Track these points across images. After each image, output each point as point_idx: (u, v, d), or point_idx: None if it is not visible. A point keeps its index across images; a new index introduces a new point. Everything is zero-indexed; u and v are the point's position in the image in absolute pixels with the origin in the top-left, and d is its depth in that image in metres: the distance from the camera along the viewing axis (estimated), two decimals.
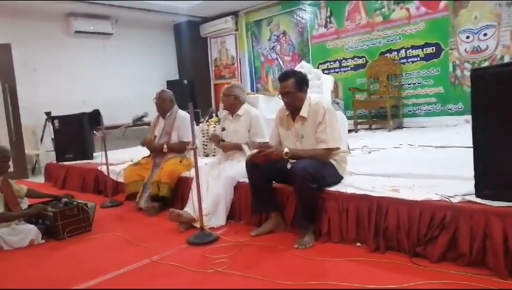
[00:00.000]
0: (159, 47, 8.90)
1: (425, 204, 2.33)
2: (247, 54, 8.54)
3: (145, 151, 4.28)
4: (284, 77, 2.87)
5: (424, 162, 3.47)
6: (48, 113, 6.69)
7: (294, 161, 2.73)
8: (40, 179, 6.13)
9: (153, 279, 2.40)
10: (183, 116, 4.11)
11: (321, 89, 4.67)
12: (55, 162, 5.89)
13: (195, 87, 8.54)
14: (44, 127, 6.74)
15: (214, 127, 4.87)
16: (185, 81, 8.47)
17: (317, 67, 7.02)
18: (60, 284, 2.40)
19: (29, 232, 3.11)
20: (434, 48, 6.22)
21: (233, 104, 3.59)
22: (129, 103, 7.62)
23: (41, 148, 6.81)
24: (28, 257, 2.92)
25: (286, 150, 2.70)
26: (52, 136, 6.21)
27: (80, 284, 2.37)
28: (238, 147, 3.51)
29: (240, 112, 3.59)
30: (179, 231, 3.17)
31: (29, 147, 6.69)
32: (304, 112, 2.85)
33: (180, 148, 4.01)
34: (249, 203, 3.17)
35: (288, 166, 2.77)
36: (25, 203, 3.47)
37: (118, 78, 8.09)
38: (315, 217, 2.73)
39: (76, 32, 7.53)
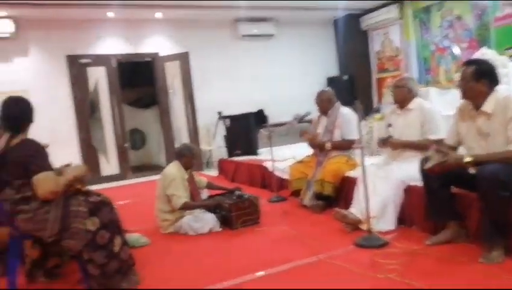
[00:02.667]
0: (319, 44, 8.95)
1: None
2: (414, 43, 7.92)
3: (307, 148, 4.32)
4: (466, 63, 2.63)
5: None
6: (219, 113, 7.39)
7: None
8: (213, 172, 6.81)
9: (322, 277, 2.40)
10: (346, 113, 4.03)
11: (509, 79, 4.01)
12: (226, 157, 6.45)
13: (355, 82, 8.33)
14: (217, 125, 7.46)
15: (378, 124, 4.66)
16: (345, 77, 8.34)
17: (503, 54, 6.05)
18: (237, 270, 2.59)
19: (209, 220, 3.47)
20: None
21: (406, 98, 3.35)
22: (291, 101, 7.85)
23: (214, 145, 7.57)
24: (208, 243, 3.25)
25: (468, 158, 2.37)
26: (223, 134, 6.81)
27: (255, 272, 2.53)
28: (408, 145, 3.26)
29: (410, 105, 3.33)
30: (344, 232, 3.12)
31: (204, 144, 7.51)
32: (486, 107, 2.48)
33: (343, 146, 3.94)
34: (421, 208, 2.91)
35: (471, 171, 2.43)
36: (204, 194, 3.88)
37: (280, 78, 8.42)
38: (506, 230, 2.35)
39: (243, 36, 8.10)
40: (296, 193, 4.16)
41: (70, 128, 6.76)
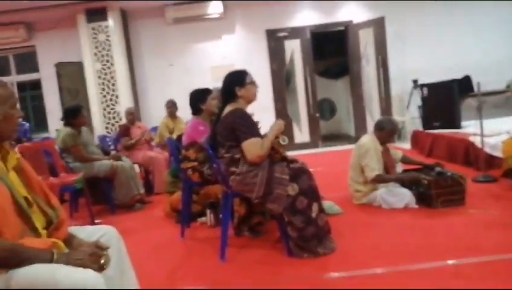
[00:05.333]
0: None
1: None
2: None
3: None
4: None
5: None
6: (414, 81, 6.85)
7: None
8: (405, 145, 6.42)
9: None
10: None
11: None
12: (421, 129, 5.98)
13: None
14: (411, 94, 6.95)
15: None
16: None
17: None
18: (434, 253, 2.40)
19: (405, 195, 3.29)
20: None
21: None
22: (502, 65, 6.69)
23: (408, 115, 7.10)
24: (403, 219, 3.09)
25: None
26: (419, 104, 6.31)
27: (454, 258, 2.29)
28: None
29: None
30: None
31: (396, 114, 7.11)
32: None
33: None
34: None
35: None
36: (399, 168, 3.68)
37: (490, 39, 7.20)
38: None
39: None
40: (510, 173, 3.56)
41: (268, 99, 7.34)
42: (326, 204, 3.25)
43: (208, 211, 3.42)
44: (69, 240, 1.57)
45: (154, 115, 6.83)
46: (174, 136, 5.02)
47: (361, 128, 7.39)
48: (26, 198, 1.52)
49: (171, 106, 5.74)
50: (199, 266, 2.66)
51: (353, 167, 3.52)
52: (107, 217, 4.13)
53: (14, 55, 7.62)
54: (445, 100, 5.47)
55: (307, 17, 7.36)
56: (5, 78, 6.54)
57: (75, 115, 4.16)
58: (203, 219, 3.49)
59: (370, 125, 7.14)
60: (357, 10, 7.36)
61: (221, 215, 3.27)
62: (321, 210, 2.57)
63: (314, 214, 2.50)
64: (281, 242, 2.73)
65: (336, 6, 7.38)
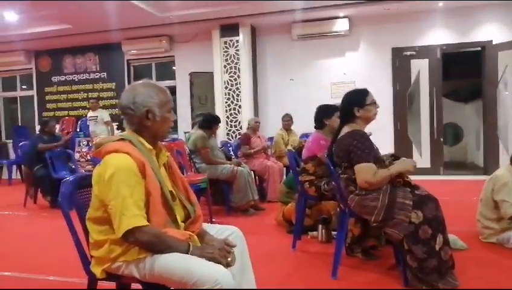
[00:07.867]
0: None
1: None
2: None
3: None
4: None
5: None
6: None
7: None
8: None
9: None
10: None
11: None
12: None
13: None
14: None
15: None
16: None
17: None
18: None
19: None
20: None
21: None
22: None
23: None
24: None
25: None
26: None
27: None
28: None
29: None
30: None
31: None
32: None
33: None
34: None
35: None
36: None
37: None
38: None
39: None
40: None
41: (387, 119, 7.09)
42: (450, 238, 3.01)
43: (320, 227, 3.42)
44: (202, 235, 1.73)
45: (270, 126, 7.08)
46: (289, 147, 5.15)
47: (491, 159, 6.68)
48: (171, 192, 1.71)
49: (288, 119, 5.92)
50: (310, 280, 2.69)
51: (484, 201, 3.21)
52: (223, 217, 4.39)
53: (156, 64, 8.61)
54: None
55: (438, 36, 6.96)
56: None
57: (213, 123, 4.63)
58: (314, 233, 3.51)
59: (503, 156, 6.43)
60: (497, 30, 6.72)
61: (333, 232, 3.26)
62: (446, 243, 2.40)
63: (437, 246, 2.34)
64: (395, 269, 2.62)
65: (473, 25, 6.84)
